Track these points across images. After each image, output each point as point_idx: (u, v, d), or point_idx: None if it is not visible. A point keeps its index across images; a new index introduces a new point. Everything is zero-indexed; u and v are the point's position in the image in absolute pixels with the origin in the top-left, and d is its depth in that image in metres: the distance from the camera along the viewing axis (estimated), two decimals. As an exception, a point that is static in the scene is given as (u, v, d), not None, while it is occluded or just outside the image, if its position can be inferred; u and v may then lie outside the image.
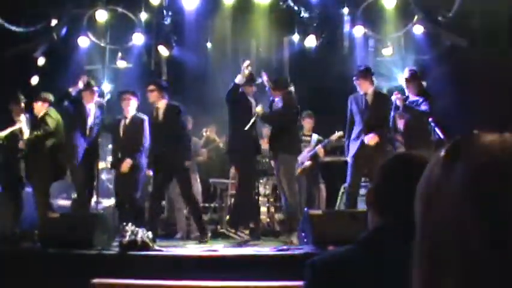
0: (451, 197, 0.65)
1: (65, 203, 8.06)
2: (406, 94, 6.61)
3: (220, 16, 8.96)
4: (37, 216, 6.51)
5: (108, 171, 8.53)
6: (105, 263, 4.87)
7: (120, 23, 8.80)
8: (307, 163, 7.79)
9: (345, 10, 8.64)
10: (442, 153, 0.70)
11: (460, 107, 7.42)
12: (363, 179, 6.70)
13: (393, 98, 6.47)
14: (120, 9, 8.66)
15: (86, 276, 3.76)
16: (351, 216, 5.31)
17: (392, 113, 6.76)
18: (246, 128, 6.50)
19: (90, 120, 6.80)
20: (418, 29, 8.49)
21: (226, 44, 9.19)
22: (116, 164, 6.76)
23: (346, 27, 8.64)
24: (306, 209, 6.13)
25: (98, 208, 7.32)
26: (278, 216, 7.84)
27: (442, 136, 6.55)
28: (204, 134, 8.69)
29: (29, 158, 6.75)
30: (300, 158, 7.64)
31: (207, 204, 8.35)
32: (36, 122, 6.82)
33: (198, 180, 7.80)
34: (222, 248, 5.54)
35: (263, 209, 7.77)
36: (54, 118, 6.80)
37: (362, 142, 6.24)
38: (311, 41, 8.87)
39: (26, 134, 6.94)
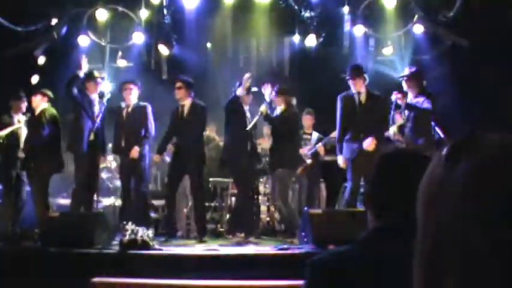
0: (452, 196, 0.65)
1: (64, 202, 8.06)
2: (406, 93, 6.59)
3: (221, 15, 8.96)
4: (36, 216, 6.51)
5: (108, 170, 8.52)
6: (106, 262, 4.87)
7: (120, 22, 8.81)
8: (308, 161, 7.79)
9: (345, 9, 8.62)
10: (444, 152, 0.70)
11: (460, 107, 7.42)
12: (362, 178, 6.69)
13: (393, 97, 6.45)
14: (120, 8, 8.65)
15: (86, 275, 3.76)
16: (351, 215, 5.32)
17: (392, 112, 6.75)
18: (247, 128, 6.60)
19: (96, 109, 6.80)
20: (419, 29, 8.47)
21: (227, 43, 9.19)
22: (119, 150, 6.82)
23: (347, 27, 8.63)
24: (306, 208, 6.14)
25: (98, 207, 7.32)
26: (278, 215, 7.83)
27: (442, 135, 6.55)
28: (204, 133, 8.68)
29: (27, 157, 6.75)
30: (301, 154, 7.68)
31: (207, 204, 8.35)
32: (33, 120, 6.83)
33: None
34: (222, 248, 5.54)
35: (263, 208, 7.78)
36: (50, 115, 6.82)
37: (360, 148, 6.22)
38: (311, 40, 8.86)
39: (25, 133, 6.96)
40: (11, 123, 6.95)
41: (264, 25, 8.96)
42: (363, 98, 6.37)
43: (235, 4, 8.80)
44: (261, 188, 7.80)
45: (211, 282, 3.72)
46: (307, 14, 8.85)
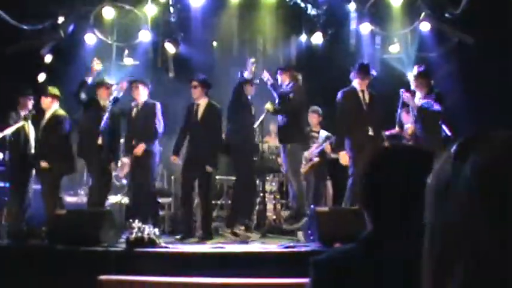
0: (460, 195, 0.65)
1: (72, 199, 8.09)
2: (414, 92, 6.57)
3: (227, 13, 8.96)
4: (44, 213, 6.53)
5: (114, 168, 8.53)
6: (112, 260, 4.88)
7: (126, 20, 8.82)
8: (315, 160, 7.77)
9: (352, 7, 8.60)
10: (452, 151, 0.69)
11: (468, 105, 7.38)
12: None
13: (405, 96, 6.46)
14: (127, 6, 8.66)
15: (93, 272, 3.77)
16: (357, 213, 5.30)
17: (399, 110, 6.74)
18: (255, 126, 6.65)
19: (105, 116, 6.65)
20: (425, 26, 8.43)
21: (233, 42, 9.19)
22: (130, 148, 6.81)
23: (353, 24, 8.60)
24: (312, 206, 6.13)
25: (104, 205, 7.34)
26: (284, 213, 7.82)
27: (449, 134, 6.53)
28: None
29: (38, 157, 6.77)
30: (308, 155, 7.65)
31: (213, 202, 8.35)
32: (41, 117, 6.85)
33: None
34: (228, 245, 5.55)
35: (269, 206, 7.77)
36: (62, 116, 6.85)
37: (363, 144, 6.23)
38: (318, 38, 8.85)
39: (32, 131, 6.97)
40: (18, 121, 6.97)
41: (270, 23, 8.95)
42: (366, 95, 6.46)
43: (241, 2, 8.80)
44: (267, 186, 7.80)
45: (217, 280, 3.71)
46: (313, 12, 8.84)
